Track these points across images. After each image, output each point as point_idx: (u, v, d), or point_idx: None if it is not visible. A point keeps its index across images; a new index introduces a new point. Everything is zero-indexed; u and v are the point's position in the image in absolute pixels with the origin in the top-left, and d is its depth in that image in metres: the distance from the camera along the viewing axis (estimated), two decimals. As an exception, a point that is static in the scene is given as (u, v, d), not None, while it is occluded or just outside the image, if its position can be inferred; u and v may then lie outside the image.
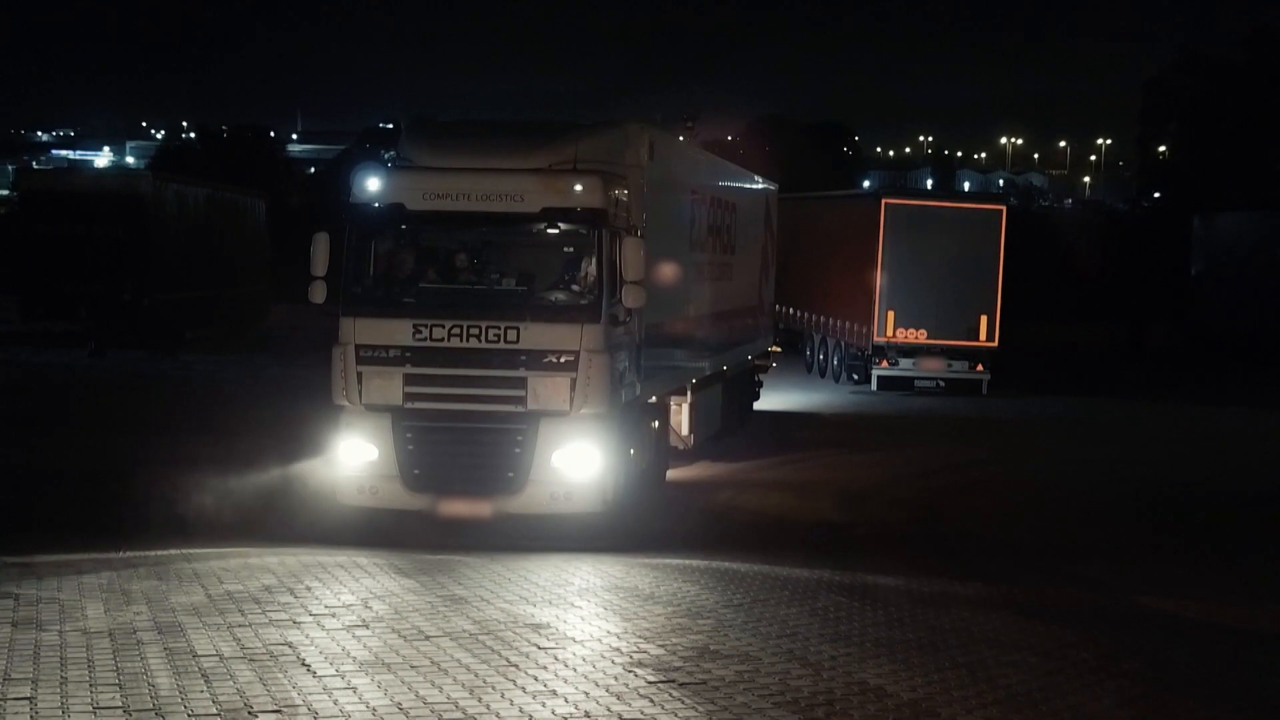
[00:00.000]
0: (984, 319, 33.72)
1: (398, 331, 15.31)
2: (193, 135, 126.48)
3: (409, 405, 15.35)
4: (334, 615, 11.85)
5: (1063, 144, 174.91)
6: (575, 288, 15.54)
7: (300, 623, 11.56)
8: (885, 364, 34.13)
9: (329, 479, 16.23)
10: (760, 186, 29.25)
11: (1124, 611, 14.13)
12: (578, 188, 15.26)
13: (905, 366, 34.14)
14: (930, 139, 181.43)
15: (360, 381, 15.34)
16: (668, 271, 19.30)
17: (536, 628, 11.62)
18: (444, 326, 15.18)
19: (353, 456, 15.47)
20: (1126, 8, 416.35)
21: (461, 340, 15.17)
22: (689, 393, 20.88)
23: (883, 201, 34.40)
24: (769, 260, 29.49)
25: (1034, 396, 35.35)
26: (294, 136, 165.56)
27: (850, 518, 18.99)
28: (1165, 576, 15.90)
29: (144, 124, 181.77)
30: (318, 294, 15.62)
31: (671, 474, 20.83)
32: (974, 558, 16.45)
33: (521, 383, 15.14)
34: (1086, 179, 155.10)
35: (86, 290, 36.44)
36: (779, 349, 31.18)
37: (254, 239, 47.01)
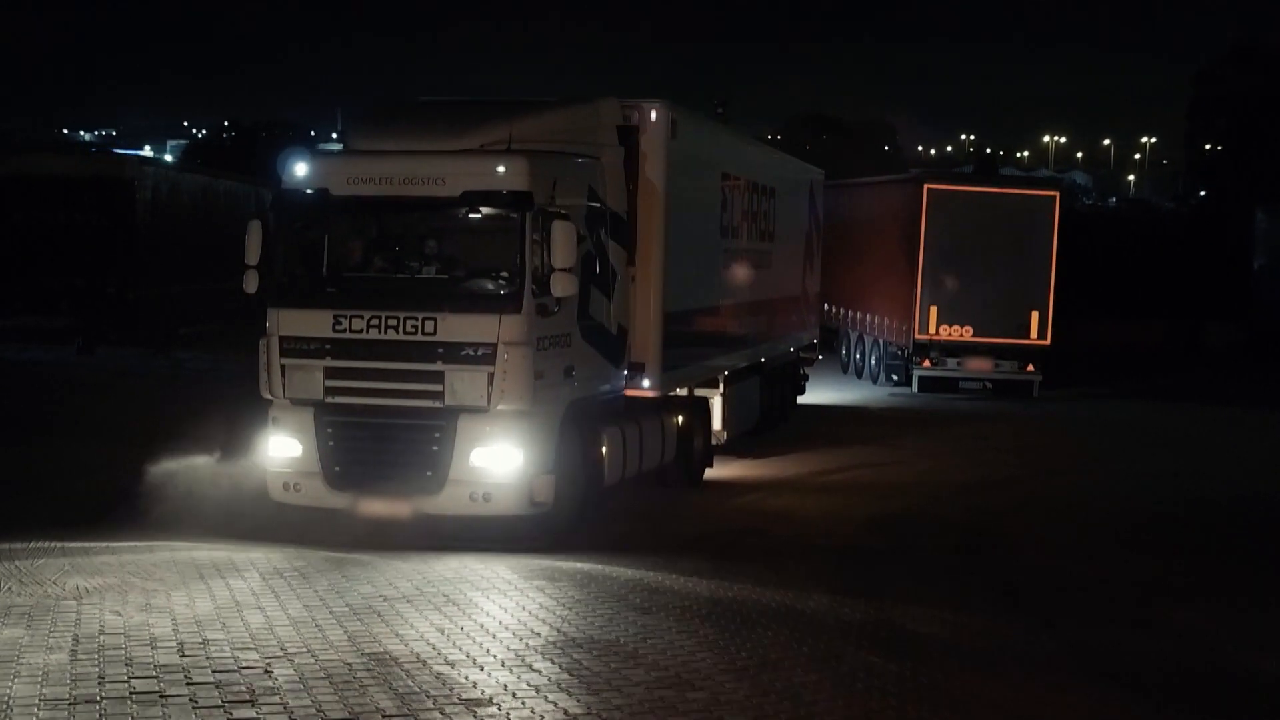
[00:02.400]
0: (1035, 315, 30.88)
1: (319, 323, 14.47)
2: (233, 134, 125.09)
3: (329, 400, 14.51)
4: (218, 685, 9.24)
5: (1106, 142, 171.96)
6: (500, 276, 14.36)
7: (170, 698, 8.94)
8: (927, 364, 31.35)
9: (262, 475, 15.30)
10: (803, 172, 27.54)
11: (1230, 676, 11.30)
12: (500, 169, 14.19)
13: (949, 367, 31.36)
14: (972, 137, 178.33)
15: (284, 375, 14.56)
16: (692, 258, 18.28)
17: (474, 706, 8.99)
18: (363, 318, 14.27)
19: (279, 452, 14.75)
20: (1173, 3, 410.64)
21: (380, 332, 14.23)
22: (721, 385, 19.84)
23: (925, 187, 31.52)
24: (814, 249, 27.82)
25: (1090, 400, 32.49)
26: (334, 135, 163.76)
27: (886, 541, 16.27)
28: (1262, 621, 13.18)
29: (185, 123, 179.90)
30: (250, 283, 14.68)
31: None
32: (1034, 597, 13.68)
33: (439, 377, 14.12)
34: (1131, 177, 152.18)
35: (68, 283, 33.90)
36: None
37: (258, 230, 44.38)
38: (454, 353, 14.06)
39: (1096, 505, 19.17)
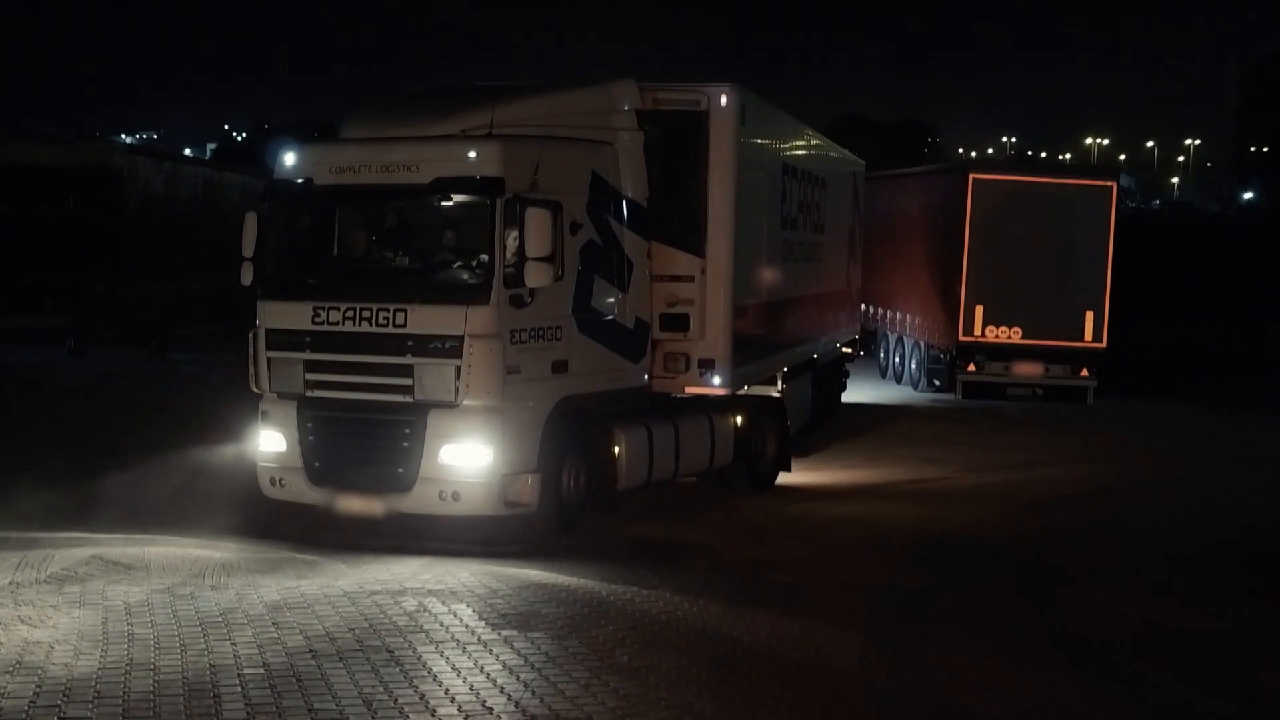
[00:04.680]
0: (1090, 316, 28.36)
1: (299, 315, 14.03)
2: (266, 134, 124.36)
3: (309, 394, 14.09)
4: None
5: (1150, 144, 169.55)
6: (471, 266, 13.70)
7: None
8: (972, 368, 28.89)
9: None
10: (848, 163, 26.26)
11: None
12: (471, 154, 13.59)
13: (996, 371, 28.90)
14: (1013, 139, 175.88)
15: (269, 368, 14.21)
16: (758, 250, 17.74)
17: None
18: (339, 310, 13.76)
19: (266, 446, 14.44)
20: (1215, 7, 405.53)
21: (355, 324, 13.70)
22: (780, 383, 19.23)
23: (970, 177, 29.00)
24: (856, 242, 26.57)
25: (1151, 408, 29.90)
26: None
27: (931, 577, 13.80)
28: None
29: (225, 126, 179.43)
30: (246, 275, 14.27)
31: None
32: (1114, 655, 11.19)
33: (409, 370, 13.54)
34: (1175, 180, 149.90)
35: (53, 280, 31.81)
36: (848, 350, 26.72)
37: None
38: (423, 345, 13.48)
39: (1169, 531, 16.67)
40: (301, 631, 10.60)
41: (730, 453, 17.06)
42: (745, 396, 17.50)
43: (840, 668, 10.21)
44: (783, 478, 18.41)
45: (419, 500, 13.61)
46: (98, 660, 9.70)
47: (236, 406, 20.64)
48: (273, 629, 10.67)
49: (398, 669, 9.66)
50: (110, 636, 10.35)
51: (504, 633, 10.69)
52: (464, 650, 10.20)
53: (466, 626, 10.87)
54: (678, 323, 15.85)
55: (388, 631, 10.64)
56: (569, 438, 14.23)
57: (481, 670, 9.69)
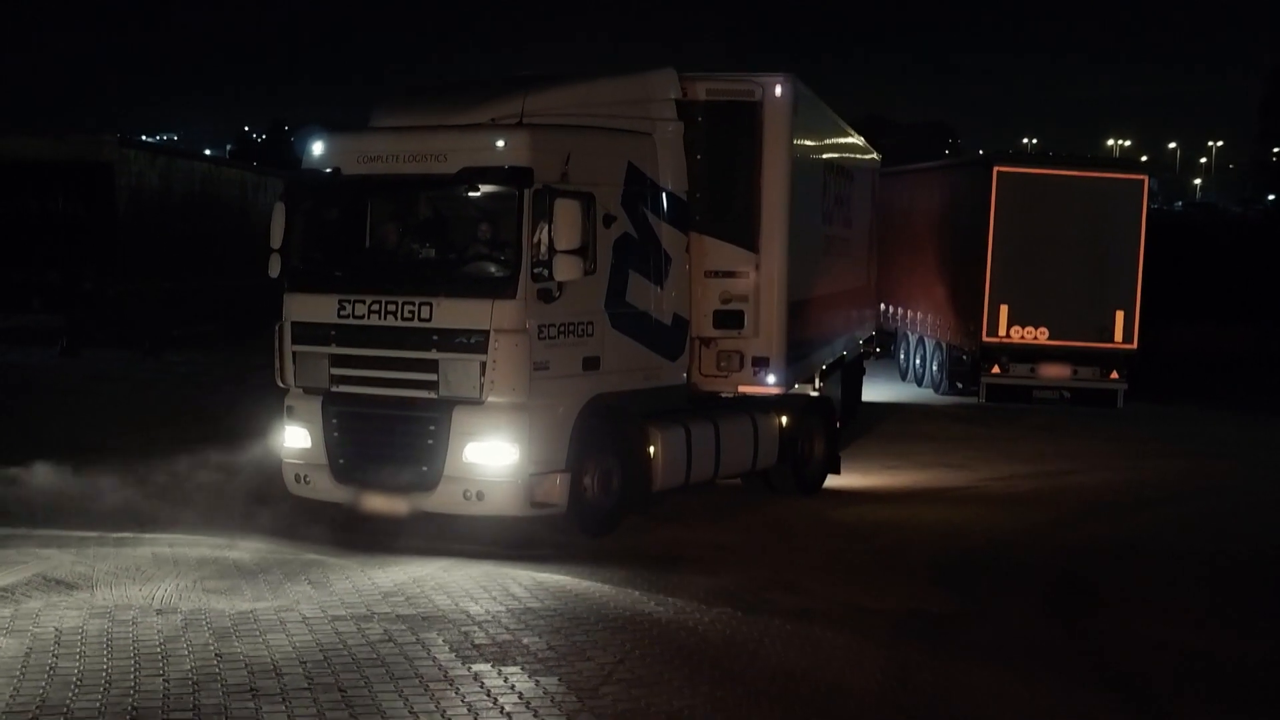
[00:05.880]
0: (1120, 316, 27.03)
1: (325, 308, 13.72)
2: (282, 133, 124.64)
3: (334, 388, 13.79)
4: None
5: (1172, 145, 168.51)
6: (499, 258, 13.24)
7: None
8: (997, 370, 27.60)
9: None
10: (869, 157, 25.68)
11: None
12: (500, 143, 13.20)
13: (1021, 373, 27.59)
14: (1034, 141, 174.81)
15: (295, 361, 13.91)
16: (805, 245, 17.29)
17: None
18: (364, 303, 13.45)
19: (291, 442, 14.12)
20: (1237, 8, 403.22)
21: (380, 318, 13.39)
22: (817, 380, 18.59)
23: (994, 170, 27.66)
24: (874, 237, 25.95)
25: (1185, 412, 28.54)
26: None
27: (955, 601, 12.49)
28: None
29: (245, 128, 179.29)
30: (274, 267, 14.02)
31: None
32: (1155, 686, 9.96)
33: (433, 365, 13.15)
34: (1197, 181, 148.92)
35: (41, 278, 30.71)
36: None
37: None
38: (448, 340, 13.13)
39: (1210, 547, 15.32)
40: (246, 665, 9.41)
41: (775, 454, 16.46)
42: (790, 395, 16.88)
43: (856, 706, 8.98)
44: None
45: (443, 499, 13.25)
46: (5, 701, 8.52)
47: (235, 408, 19.87)
48: (214, 662, 9.49)
49: (346, 712, 8.47)
50: (28, 671, 9.19)
51: (475, 667, 9.49)
52: (427, 689, 9.00)
53: (434, 660, 9.67)
54: (732, 319, 15.44)
55: (343, 666, 9.45)
56: (601, 437, 13.83)
57: (443, 714, 8.49)
